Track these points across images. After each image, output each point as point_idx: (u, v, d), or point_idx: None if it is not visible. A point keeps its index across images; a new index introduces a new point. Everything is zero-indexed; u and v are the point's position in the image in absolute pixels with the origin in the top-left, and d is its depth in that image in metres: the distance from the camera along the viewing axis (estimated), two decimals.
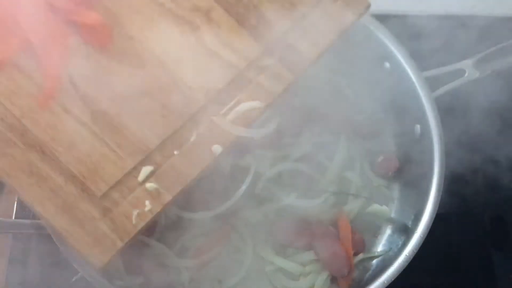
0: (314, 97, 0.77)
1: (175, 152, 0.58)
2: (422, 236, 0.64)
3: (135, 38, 0.59)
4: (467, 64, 0.72)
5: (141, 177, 0.57)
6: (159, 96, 0.59)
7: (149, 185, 0.57)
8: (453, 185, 0.69)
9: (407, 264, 0.63)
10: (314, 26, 0.63)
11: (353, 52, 0.75)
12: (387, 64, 0.74)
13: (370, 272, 0.70)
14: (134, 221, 0.56)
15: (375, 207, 0.75)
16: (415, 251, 0.63)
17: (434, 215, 0.65)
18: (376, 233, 0.76)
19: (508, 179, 0.76)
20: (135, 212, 0.56)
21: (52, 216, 0.55)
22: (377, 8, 0.81)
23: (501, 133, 0.78)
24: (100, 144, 0.57)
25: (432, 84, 0.71)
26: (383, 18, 0.74)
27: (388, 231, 0.76)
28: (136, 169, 0.57)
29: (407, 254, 0.63)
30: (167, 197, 0.57)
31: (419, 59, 0.72)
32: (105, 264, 0.55)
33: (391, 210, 0.76)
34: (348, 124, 0.77)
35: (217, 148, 0.58)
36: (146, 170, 0.57)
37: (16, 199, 0.78)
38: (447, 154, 0.67)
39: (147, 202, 0.57)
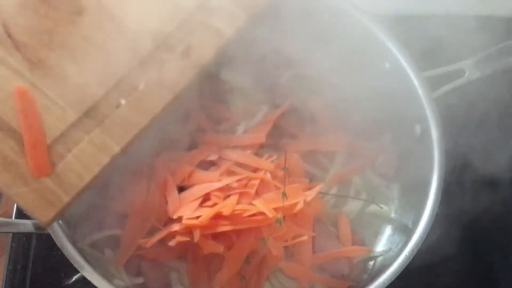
0: (314, 97, 0.78)
1: (122, 102, 0.56)
2: (422, 236, 0.64)
3: None
4: (467, 64, 0.72)
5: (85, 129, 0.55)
6: (101, 43, 0.56)
7: (94, 136, 0.55)
8: (452, 185, 0.69)
9: (407, 264, 0.62)
10: None
11: (353, 52, 0.75)
12: (387, 64, 0.74)
13: (370, 272, 0.70)
14: (80, 175, 0.54)
15: (375, 207, 0.75)
16: (415, 251, 0.63)
17: (434, 215, 0.65)
18: (376, 233, 0.76)
19: (508, 179, 0.76)
20: (80, 165, 0.54)
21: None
22: (377, 9, 0.81)
23: (501, 132, 0.78)
24: (40, 95, 0.54)
25: (432, 84, 0.71)
26: (382, 19, 0.74)
27: (388, 231, 0.76)
28: (81, 121, 0.55)
29: (407, 254, 0.63)
30: (115, 149, 0.55)
31: (419, 59, 0.72)
32: (50, 220, 0.54)
33: (391, 210, 0.76)
34: (348, 124, 0.77)
35: (167, 95, 0.57)
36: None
37: None
38: (447, 154, 0.67)
39: (93, 155, 0.55)
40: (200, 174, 0.69)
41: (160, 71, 0.58)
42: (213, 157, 0.70)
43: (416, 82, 0.71)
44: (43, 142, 0.53)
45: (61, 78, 0.55)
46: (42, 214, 0.54)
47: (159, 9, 0.58)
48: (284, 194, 0.66)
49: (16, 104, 0.53)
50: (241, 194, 0.66)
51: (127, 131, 0.56)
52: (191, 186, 0.68)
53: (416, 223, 0.65)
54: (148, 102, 0.57)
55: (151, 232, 0.67)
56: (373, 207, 0.76)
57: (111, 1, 0.57)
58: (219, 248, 0.64)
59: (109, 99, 0.56)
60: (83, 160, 0.55)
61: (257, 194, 0.67)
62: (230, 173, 0.69)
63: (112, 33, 0.57)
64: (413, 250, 0.63)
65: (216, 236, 0.64)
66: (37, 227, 0.64)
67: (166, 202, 0.67)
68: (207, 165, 0.70)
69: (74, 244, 0.62)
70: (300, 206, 0.67)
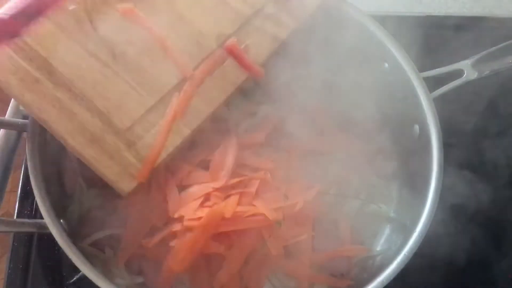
0: (314, 98, 0.78)
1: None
2: (421, 235, 0.64)
3: None
4: (465, 65, 0.73)
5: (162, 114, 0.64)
6: (173, 42, 0.66)
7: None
8: (452, 184, 0.69)
9: (406, 263, 0.63)
10: None
11: (352, 52, 0.76)
12: (386, 65, 0.74)
13: (369, 271, 0.71)
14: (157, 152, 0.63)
15: (374, 206, 0.76)
16: (414, 250, 0.63)
17: (433, 215, 0.65)
18: (375, 232, 0.76)
19: (506, 178, 0.76)
20: (156, 144, 0.63)
21: (82, 147, 0.61)
22: (376, 9, 0.81)
23: (499, 132, 0.79)
24: (122, 83, 0.63)
25: (430, 84, 0.71)
26: (382, 19, 0.74)
27: (387, 230, 0.76)
28: (157, 106, 0.64)
29: (406, 254, 0.63)
30: (186, 132, 0.65)
31: (418, 60, 0.72)
32: (132, 190, 0.63)
33: (390, 209, 0.77)
34: (347, 124, 0.77)
35: (229, 88, 0.67)
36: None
37: (17, 199, 0.79)
38: (445, 154, 0.68)
39: (168, 136, 0.64)
40: (200, 174, 0.69)
41: (222, 67, 0.68)
42: (213, 157, 0.70)
43: (415, 82, 0.71)
44: None
45: (140, 69, 0.65)
46: (126, 185, 0.62)
47: (222, 14, 0.69)
48: (284, 195, 0.66)
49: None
50: (241, 194, 0.66)
51: (196, 117, 0.66)
52: (191, 185, 0.69)
53: (415, 222, 0.65)
54: (213, 93, 0.67)
55: (152, 231, 0.67)
56: (372, 207, 0.76)
57: (182, 5, 0.67)
58: (220, 248, 0.64)
59: (182, 88, 0.66)
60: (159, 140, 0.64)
61: (257, 194, 0.67)
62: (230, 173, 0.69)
63: (183, 33, 0.67)
64: (412, 250, 0.63)
65: (217, 236, 0.65)
66: (39, 226, 0.64)
67: (167, 202, 0.67)
68: (207, 165, 0.71)
69: (75, 243, 0.62)
70: (300, 206, 0.67)
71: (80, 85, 0.62)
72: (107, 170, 0.62)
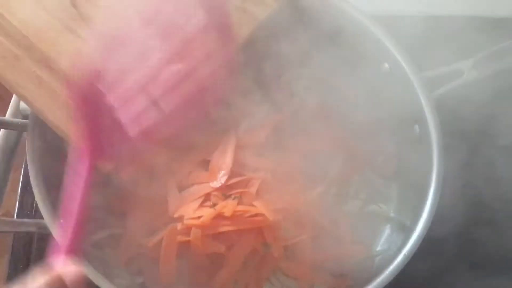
0: (313, 98, 0.78)
1: None
2: (421, 235, 0.64)
3: None
4: (466, 65, 0.73)
5: None
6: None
7: None
8: (451, 184, 0.69)
9: (406, 263, 0.63)
10: None
11: (352, 52, 0.76)
12: (386, 65, 0.74)
13: (369, 271, 0.71)
14: None
15: (374, 206, 0.76)
16: (414, 251, 0.63)
17: (433, 215, 0.65)
18: (375, 232, 0.76)
19: (506, 177, 0.76)
20: None
21: (64, 125, 0.60)
22: (376, 9, 0.81)
23: (499, 133, 0.79)
24: None
25: (431, 84, 0.71)
26: (382, 19, 0.74)
27: (387, 230, 0.76)
28: None
29: (406, 254, 0.63)
30: None
31: (418, 60, 0.72)
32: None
33: (390, 209, 0.77)
34: (348, 124, 0.77)
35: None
36: None
37: (17, 198, 0.79)
38: (445, 154, 0.68)
39: None
40: (200, 174, 0.69)
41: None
42: (212, 157, 0.70)
43: (415, 82, 0.71)
44: None
45: None
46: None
47: None
48: (284, 195, 0.67)
49: None
50: (241, 195, 0.67)
51: None
52: (191, 185, 0.69)
53: (415, 222, 0.65)
54: None
55: (152, 231, 0.67)
56: (372, 207, 0.76)
57: None
58: (220, 248, 0.64)
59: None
60: None
61: (258, 194, 0.67)
62: (230, 173, 0.69)
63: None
64: (412, 250, 0.63)
65: (217, 236, 0.65)
66: (39, 226, 0.64)
67: (167, 201, 0.67)
68: (207, 165, 0.71)
69: None
70: (300, 206, 0.67)
71: (60, 62, 0.61)
72: None
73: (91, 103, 0.52)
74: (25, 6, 0.62)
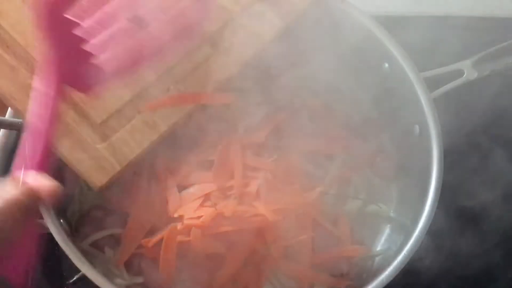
0: (313, 98, 0.78)
1: (171, 87, 0.64)
2: (421, 235, 0.64)
3: None
4: (465, 65, 0.73)
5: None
6: None
7: (145, 115, 0.63)
8: (451, 184, 0.69)
9: (406, 263, 0.63)
10: None
11: (352, 52, 0.76)
12: (386, 65, 0.74)
13: (369, 271, 0.71)
14: (131, 147, 0.62)
15: (374, 206, 0.76)
16: (414, 250, 0.63)
17: (433, 214, 0.65)
18: (375, 232, 0.76)
19: (506, 177, 0.76)
20: (132, 139, 0.62)
21: (56, 139, 0.59)
22: (376, 9, 0.81)
23: (499, 133, 0.79)
24: None
25: (430, 84, 0.71)
26: (382, 19, 0.74)
27: (387, 230, 0.76)
28: (134, 100, 0.63)
29: (406, 253, 0.63)
30: (163, 128, 0.64)
31: (418, 60, 0.72)
32: (104, 185, 0.61)
33: (390, 209, 0.77)
34: (347, 124, 0.77)
35: (210, 84, 0.65)
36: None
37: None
38: (445, 154, 0.68)
39: (144, 131, 0.63)
40: (200, 174, 0.69)
41: (205, 64, 0.66)
42: (213, 157, 0.70)
43: (415, 83, 0.71)
44: None
45: None
46: (98, 179, 0.61)
47: None
48: (284, 195, 0.67)
49: None
50: (241, 194, 0.67)
51: (174, 114, 0.65)
52: (191, 185, 0.69)
53: (415, 222, 0.65)
54: (193, 91, 0.66)
55: (152, 231, 0.67)
56: (372, 207, 0.76)
57: None
58: (220, 248, 0.64)
59: (160, 84, 0.64)
60: (134, 135, 0.63)
61: (258, 194, 0.67)
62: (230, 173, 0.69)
63: None
64: (412, 249, 0.63)
65: (217, 236, 0.65)
66: (39, 226, 0.64)
67: (167, 201, 0.67)
68: (207, 165, 0.71)
69: (75, 243, 0.62)
70: (300, 206, 0.67)
71: None
72: (79, 163, 0.61)
73: (60, 30, 0.51)
74: (24, 17, 0.61)
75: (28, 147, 0.50)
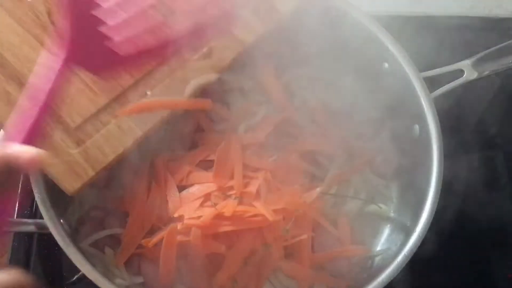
0: (313, 98, 0.78)
1: (148, 92, 0.64)
2: (420, 235, 0.64)
3: None
4: (465, 65, 0.73)
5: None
6: None
7: (121, 120, 0.62)
8: (451, 184, 0.69)
9: (406, 263, 0.63)
10: None
11: (352, 52, 0.76)
12: (386, 65, 0.74)
13: (369, 271, 0.71)
14: (106, 153, 0.61)
15: (374, 206, 0.76)
16: (414, 250, 0.63)
17: (433, 215, 0.65)
18: (375, 232, 0.76)
19: (506, 177, 0.77)
20: (107, 144, 0.61)
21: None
22: (376, 9, 0.81)
23: (499, 132, 0.79)
24: (76, 79, 0.61)
25: (430, 84, 0.71)
26: (382, 19, 0.74)
27: (387, 230, 0.76)
28: (110, 105, 0.62)
29: (406, 253, 0.63)
30: (138, 133, 0.63)
31: (418, 60, 0.72)
32: (76, 190, 0.60)
33: (390, 209, 0.77)
34: (347, 124, 0.77)
35: (188, 89, 0.65)
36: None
37: (17, 198, 0.79)
38: (445, 154, 0.68)
39: (119, 137, 0.62)
40: (200, 174, 0.70)
41: (183, 69, 0.65)
42: (213, 157, 0.70)
43: (415, 82, 0.71)
44: None
45: None
46: (70, 184, 0.60)
47: None
48: (284, 195, 0.66)
49: None
50: (241, 195, 0.67)
51: (150, 119, 0.63)
52: (191, 185, 0.69)
53: (414, 222, 0.65)
54: (170, 96, 0.64)
55: (152, 231, 0.67)
56: (372, 207, 0.76)
57: None
58: (220, 248, 0.64)
59: (137, 89, 0.64)
60: (109, 140, 0.62)
61: (258, 194, 0.67)
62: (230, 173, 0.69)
63: None
64: (412, 249, 0.63)
65: (217, 236, 0.65)
66: (39, 226, 0.64)
67: (167, 202, 0.67)
68: (207, 165, 0.71)
69: (75, 243, 0.62)
70: (300, 207, 0.67)
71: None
72: (52, 167, 0.60)
73: (79, 9, 0.51)
74: (2, 23, 0.62)
75: (19, 118, 0.49)
